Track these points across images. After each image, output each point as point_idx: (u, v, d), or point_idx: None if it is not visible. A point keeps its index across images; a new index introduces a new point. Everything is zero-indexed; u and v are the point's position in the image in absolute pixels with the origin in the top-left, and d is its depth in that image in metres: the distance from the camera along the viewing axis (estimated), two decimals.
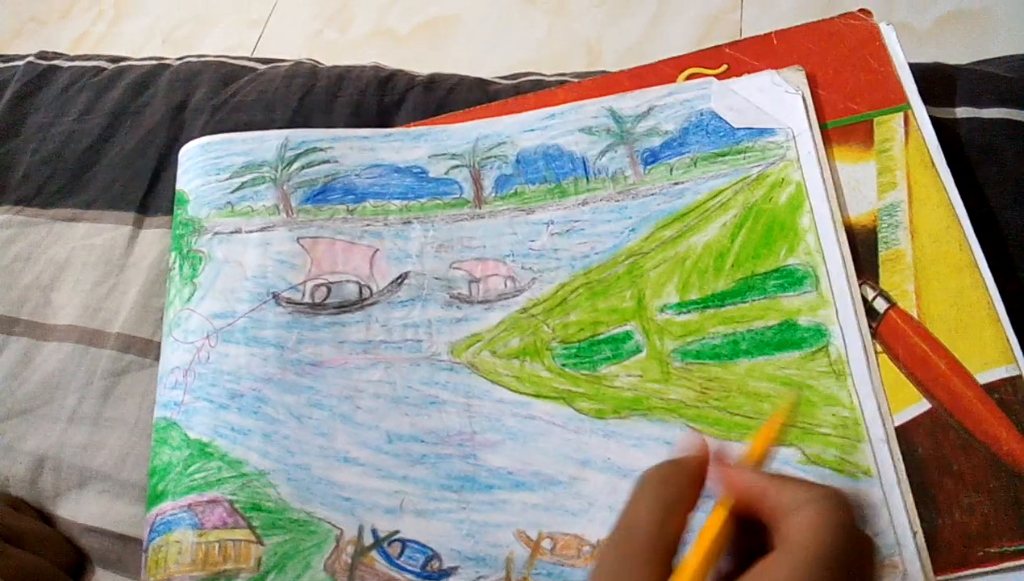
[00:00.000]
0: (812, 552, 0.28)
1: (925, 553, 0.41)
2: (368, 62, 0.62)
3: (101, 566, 0.47)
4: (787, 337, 0.46)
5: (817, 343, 0.46)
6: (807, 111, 0.52)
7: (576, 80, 0.57)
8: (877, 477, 0.42)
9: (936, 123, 0.50)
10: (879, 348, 0.45)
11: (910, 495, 0.42)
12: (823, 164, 0.50)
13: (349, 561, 0.43)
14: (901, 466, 0.43)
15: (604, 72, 0.56)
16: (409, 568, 0.43)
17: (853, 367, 0.45)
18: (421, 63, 0.65)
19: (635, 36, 1.27)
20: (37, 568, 0.45)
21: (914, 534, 0.41)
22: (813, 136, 0.51)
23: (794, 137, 0.51)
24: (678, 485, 0.32)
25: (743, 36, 1.19)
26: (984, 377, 0.44)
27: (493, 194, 0.53)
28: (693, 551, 0.30)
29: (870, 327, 0.46)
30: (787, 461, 0.43)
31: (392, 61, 0.64)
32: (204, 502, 0.44)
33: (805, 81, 0.53)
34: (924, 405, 0.44)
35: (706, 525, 0.31)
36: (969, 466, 0.42)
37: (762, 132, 0.52)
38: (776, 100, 0.52)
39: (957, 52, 0.59)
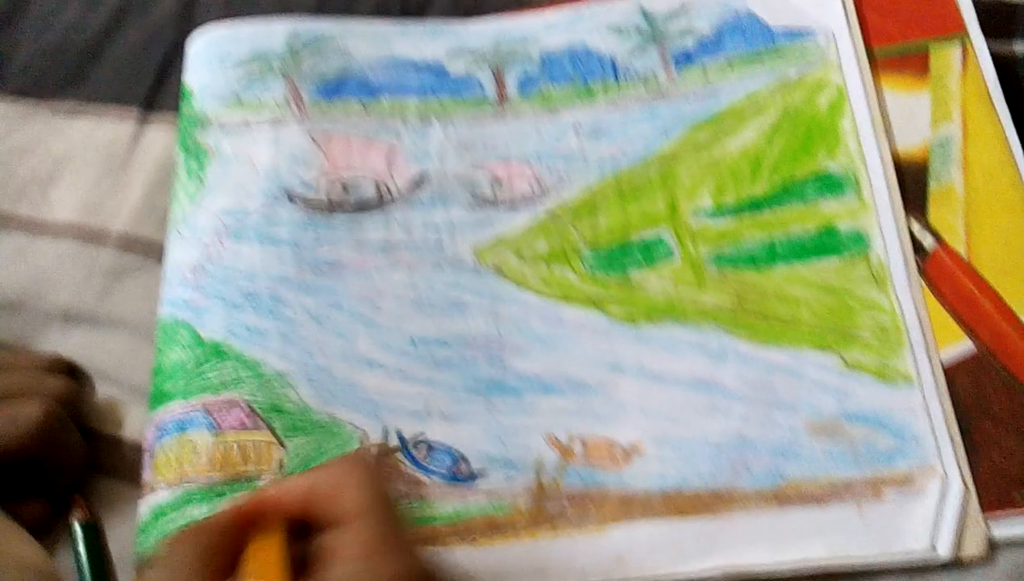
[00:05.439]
0: (377, 513, 0.31)
1: (964, 460, 0.42)
2: None
3: (88, 469, 0.48)
4: (826, 243, 0.47)
5: (857, 249, 0.46)
6: (846, 12, 0.52)
7: None
8: (918, 383, 0.43)
9: (993, 57, 0.50)
10: (924, 286, 0.46)
11: (948, 401, 0.43)
12: (863, 67, 0.50)
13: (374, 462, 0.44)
14: (940, 372, 0.44)
15: None
16: (436, 470, 0.43)
17: (893, 273, 0.46)
18: None
19: None
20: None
21: (952, 441, 0.42)
22: (853, 38, 0.51)
23: (834, 39, 0.51)
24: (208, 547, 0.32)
25: None
26: None
27: (517, 94, 0.53)
28: None
29: (916, 265, 0.46)
30: (826, 367, 0.44)
31: None
32: (220, 403, 0.44)
33: None
34: (967, 345, 0.44)
35: (260, 560, 0.31)
36: (1010, 409, 0.43)
37: (801, 33, 0.52)
38: (814, 0, 0.53)
39: None
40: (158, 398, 0.45)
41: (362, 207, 0.50)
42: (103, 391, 0.48)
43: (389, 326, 0.47)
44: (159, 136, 0.56)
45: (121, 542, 0.44)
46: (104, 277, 0.51)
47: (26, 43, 0.61)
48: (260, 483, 0.43)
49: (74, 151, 0.56)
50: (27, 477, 0.43)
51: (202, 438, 0.43)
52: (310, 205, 0.49)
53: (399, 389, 0.45)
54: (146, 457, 0.44)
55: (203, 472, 0.43)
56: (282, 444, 0.43)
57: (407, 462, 0.44)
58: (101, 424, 0.47)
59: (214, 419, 0.44)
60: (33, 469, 0.43)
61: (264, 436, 0.44)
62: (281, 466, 0.43)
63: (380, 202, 0.50)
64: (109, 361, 0.49)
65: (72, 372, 0.48)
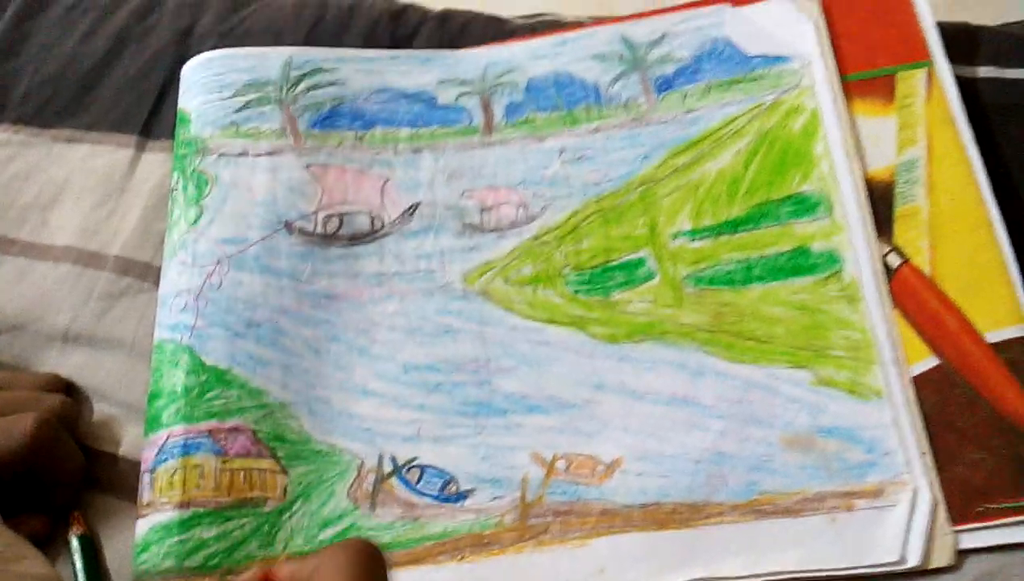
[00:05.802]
0: None
1: (933, 472, 0.44)
2: None
3: (85, 485, 0.50)
4: (800, 262, 0.49)
5: (830, 268, 0.49)
6: (820, 39, 0.54)
7: (593, 23, 0.58)
8: (888, 398, 0.46)
9: (958, 81, 0.52)
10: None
11: (919, 416, 0.45)
12: (836, 92, 0.52)
13: (370, 489, 0.46)
14: (910, 387, 0.46)
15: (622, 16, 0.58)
16: (427, 492, 0.46)
17: (865, 291, 0.48)
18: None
19: None
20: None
21: (922, 454, 0.44)
22: (826, 64, 0.53)
23: (808, 65, 0.54)
24: None
25: None
26: (994, 336, 0.46)
27: (504, 121, 0.55)
28: None
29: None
30: (799, 383, 0.46)
31: None
32: (226, 429, 0.46)
33: (819, 10, 0.55)
34: (932, 361, 0.46)
35: None
36: (973, 423, 0.45)
37: (777, 59, 0.54)
38: (789, 28, 0.55)
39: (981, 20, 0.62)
40: (158, 420, 0.48)
41: (356, 238, 0.52)
42: (100, 410, 0.51)
43: (383, 355, 0.49)
44: (156, 163, 0.59)
45: (117, 556, 0.47)
46: (102, 299, 0.54)
47: (27, 74, 0.64)
48: (266, 509, 0.45)
49: (73, 177, 0.59)
50: (26, 491, 0.46)
51: (208, 463, 0.46)
52: (307, 237, 0.52)
53: (393, 416, 0.48)
54: (145, 476, 0.46)
55: (210, 496, 0.45)
56: (285, 472, 0.46)
57: (401, 486, 0.46)
58: (98, 442, 0.50)
59: (221, 445, 0.46)
60: (31, 483, 0.46)
61: (268, 464, 0.46)
62: (285, 493, 0.46)
63: (373, 233, 0.52)
64: (106, 381, 0.52)
65: (69, 391, 0.51)
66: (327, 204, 0.53)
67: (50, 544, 0.46)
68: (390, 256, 0.52)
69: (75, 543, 0.46)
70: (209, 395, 0.47)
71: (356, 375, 0.49)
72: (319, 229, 0.52)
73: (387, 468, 0.47)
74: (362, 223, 0.53)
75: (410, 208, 0.53)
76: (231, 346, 0.49)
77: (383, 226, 0.53)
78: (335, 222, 0.53)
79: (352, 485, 0.46)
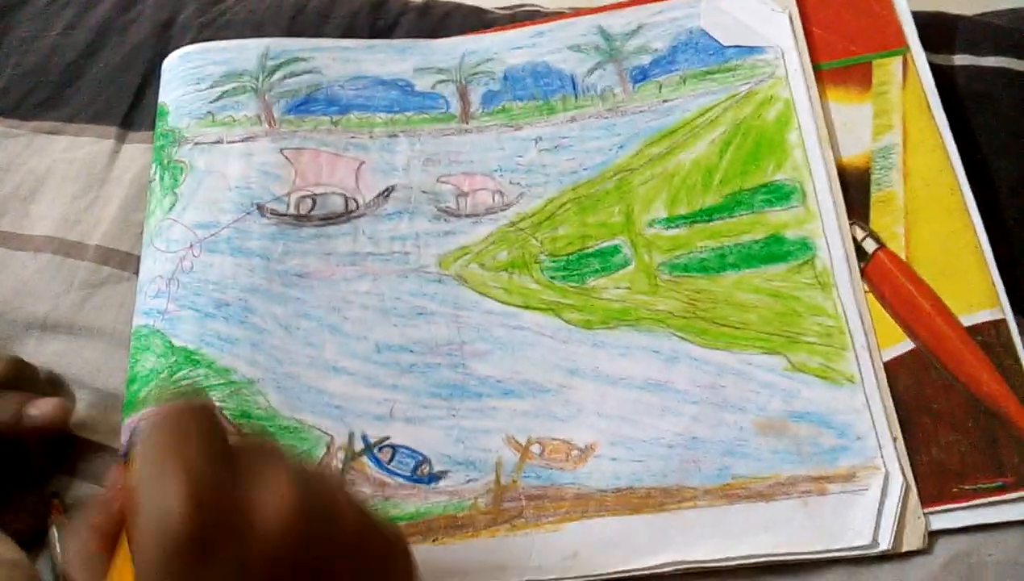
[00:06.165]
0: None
1: (905, 457, 0.44)
2: None
3: (67, 475, 0.49)
4: (774, 250, 0.49)
5: (803, 256, 0.49)
6: (794, 30, 0.54)
7: (571, 14, 0.59)
8: (860, 384, 0.46)
9: (934, 69, 0.53)
10: (866, 288, 0.48)
11: (890, 400, 0.45)
12: (810, 82, 0.53)
13: (340, 466, 0.45)
14: (882, 373, 0.46)
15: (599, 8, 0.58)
16: (399, 472, 0.46)
17: (838, 278, 0.48)
18: None
19: None
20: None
21: (894, 439, 0.44)
22: (800, 54, 0.54)
23: (782, 55, 0.54)
24: None
25: None
26: (968, 319, 0.47)
27: (480, 110, 0.55)
28: None
29: (859, 268, 0.49)
30: (772, 369, 0.46)
31: None
32: None
33: (793, 0, 0.55)
34: (908, 345, 0.47)
35: None
36: (948, 405, 0.45)
37: (751, 50, 0.55)
38: (763, 19, 0.55)
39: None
40: (133, 404, 0.47)
41: (330, 219, 0.52)
42: (80, 397, 0.51)
43: (356, 334, 0.49)
44: (136, 154, 0.58)
45: None
46: (82, 289, 0.54)
47: (8, 66, 0.63)
48: None
49: (54, 168, 0.59)
50: (9, 470, 0.45)
51: None
52: (280, 218, 0.52)
53: (365, 394, 0.47)
54: (121, 461, 0.46)
55: None
56: None
57: (371, 464, 0.46)
58: (78, 430, 0.50)
59: None
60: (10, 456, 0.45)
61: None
62: None
63: (348, 214, 0.52)
64: (86, 369, 0.51)
65: (51, 381, 0.50)
66: (300, 185, 0.53)
67: (36, 541, 0.46)
68: (364, 237, 0.52)
69: (54, 531, 0.45)
70: (178, 376, 0.47)
71: (327, 352, 0.48)
72: (292, 210, 0.52)
73: (358, 446, 0.46)
74: (336, 204, 0.52)
75: (385, 191, 0.53)
76: (200, 327, 0.48)
77: (357, 207, 0.52)
78: (308, 203, 0.52)
79: (321, 462, 0.46)
